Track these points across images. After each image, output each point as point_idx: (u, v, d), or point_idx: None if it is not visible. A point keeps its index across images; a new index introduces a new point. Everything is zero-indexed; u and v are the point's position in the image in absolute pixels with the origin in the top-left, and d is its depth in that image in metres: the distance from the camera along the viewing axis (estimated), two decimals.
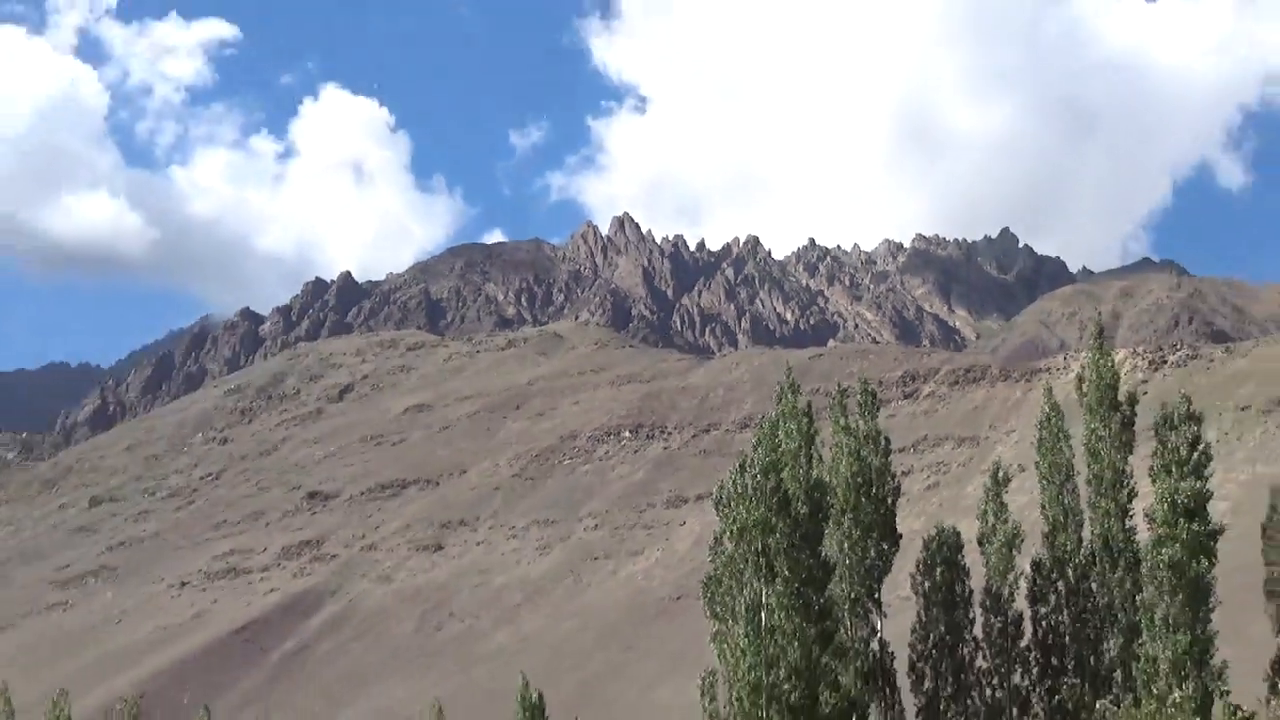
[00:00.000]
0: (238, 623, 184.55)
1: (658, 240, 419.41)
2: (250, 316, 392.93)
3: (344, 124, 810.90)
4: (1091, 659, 39.58)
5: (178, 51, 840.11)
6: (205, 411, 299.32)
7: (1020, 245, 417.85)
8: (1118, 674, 38.18)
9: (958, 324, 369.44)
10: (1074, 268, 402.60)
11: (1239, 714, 31.69)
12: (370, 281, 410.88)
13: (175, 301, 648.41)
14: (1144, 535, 37.78)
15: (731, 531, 37.93)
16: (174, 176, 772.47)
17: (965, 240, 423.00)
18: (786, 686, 36.07)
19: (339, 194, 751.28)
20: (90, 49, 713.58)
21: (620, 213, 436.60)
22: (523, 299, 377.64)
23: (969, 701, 40.91)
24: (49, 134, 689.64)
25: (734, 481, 38.31)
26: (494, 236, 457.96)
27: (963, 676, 41.22)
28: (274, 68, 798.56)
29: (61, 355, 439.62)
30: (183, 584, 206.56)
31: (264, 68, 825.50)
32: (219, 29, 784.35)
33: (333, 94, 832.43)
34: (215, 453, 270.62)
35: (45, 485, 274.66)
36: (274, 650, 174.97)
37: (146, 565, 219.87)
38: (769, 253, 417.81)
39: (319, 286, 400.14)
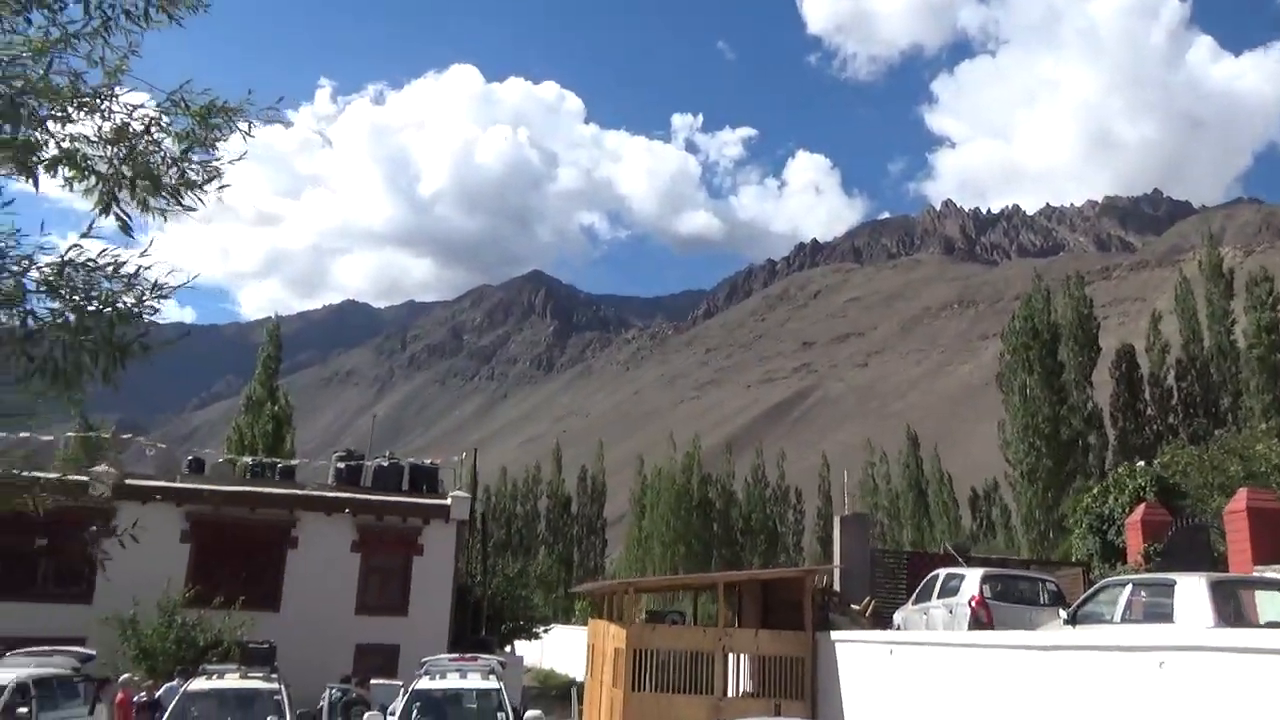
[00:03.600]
0: (773, 404, 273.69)
1: (966, 209, 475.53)
2: (769, 263, 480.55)
3: (810, 166, 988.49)
4: (1213, 409, 42.00)
5: (730, 143, 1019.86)
6: (753, 307, 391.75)
7: (1165, 195, 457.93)
8: (1228, 417, 40.36)
9: (1131, 240, 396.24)
10: (1195, 205, 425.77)
11: None
12: (826, 242, 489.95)
13: (735, 258, 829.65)
14: (1240, 342, 41.46)
15: (1011, 348, 45.03)
16: (730, 200, 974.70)
17: (1133, 195, 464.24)
18: (1041, 425, 42.32)
19: (810, 202, 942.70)
20: (690, 147, 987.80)
21: (945, 198, 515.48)
22: (899, 244, 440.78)
23: (1144, 433, 43.13)
24: (673, 186, 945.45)
25: (1011, 324, 46.24)
26: (883, 216, 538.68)
27: (1139, 419, 43.67)
28: (775, 145, 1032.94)
29: (685, 287, 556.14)
30: (748, 386, 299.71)
31: (771, 146, 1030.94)
32: (749, 132, 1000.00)
33: (803, 155, 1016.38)
34: (758, 326, 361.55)
35: (684, 345, 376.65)
36: (789, 415, 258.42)
37: (730, 377, 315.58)
38: (1024, 210, 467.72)
39: (800, 246, 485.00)
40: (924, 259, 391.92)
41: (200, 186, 6.52)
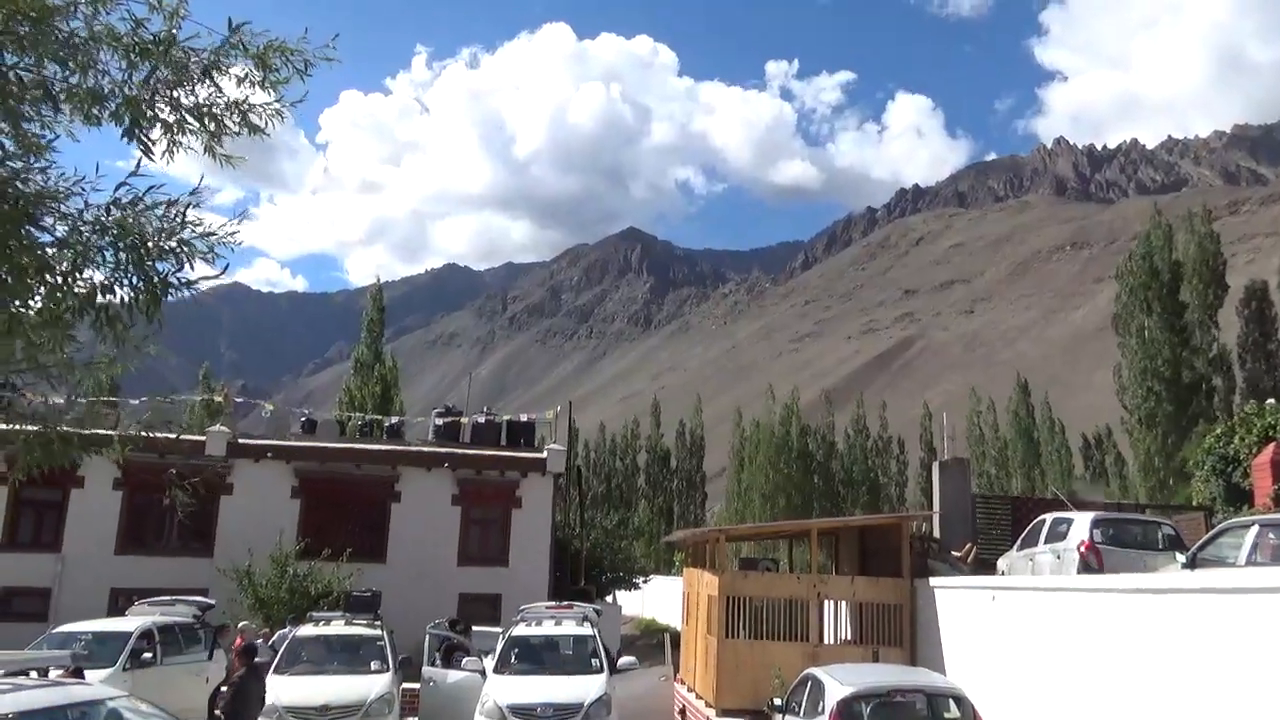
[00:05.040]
0: (875, 354, 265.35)
1: (1080, 146, 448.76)
2: (869, 211, 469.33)
3: (911, 109, 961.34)
4: None
5: (826, 89, 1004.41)
6: (853, 257, 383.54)
7: None
8: None
9: (1263, 171, 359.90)
10: None
11: None
12: (928, 187, 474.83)
13: (833, 207, 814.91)
14: None
15: (1128, 288, 42.71)
16: (827, 148, 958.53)
17: (1267, 123, 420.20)
18: (1161, 368, 40.34)
19: (911, 146, 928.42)
20: (785, 94, 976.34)
21: (1057, 135, 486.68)
22: (1006, 186, 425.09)
23: (1275, 374, 41.56)
24: (769, 136, 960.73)
25: (1127, 261, 43.75)
26: (990, 157, 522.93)
27: (1269, 360, 42.07)
28: (873, 89, 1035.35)
29: (782, 239, 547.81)
30: (848, 337, 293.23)
31: (870, 89, 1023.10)
32: (847, 76, 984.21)
33: (903, 97, 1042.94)
34: (860, 275, 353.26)
35: (782, 298, 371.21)
36: (891, 366, 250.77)
37: (830, 329, 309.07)
38: (1143, 145, 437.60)
39: (901, 192, 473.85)
40: (1033, 200, 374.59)
41: (262, 131, 6.53)
